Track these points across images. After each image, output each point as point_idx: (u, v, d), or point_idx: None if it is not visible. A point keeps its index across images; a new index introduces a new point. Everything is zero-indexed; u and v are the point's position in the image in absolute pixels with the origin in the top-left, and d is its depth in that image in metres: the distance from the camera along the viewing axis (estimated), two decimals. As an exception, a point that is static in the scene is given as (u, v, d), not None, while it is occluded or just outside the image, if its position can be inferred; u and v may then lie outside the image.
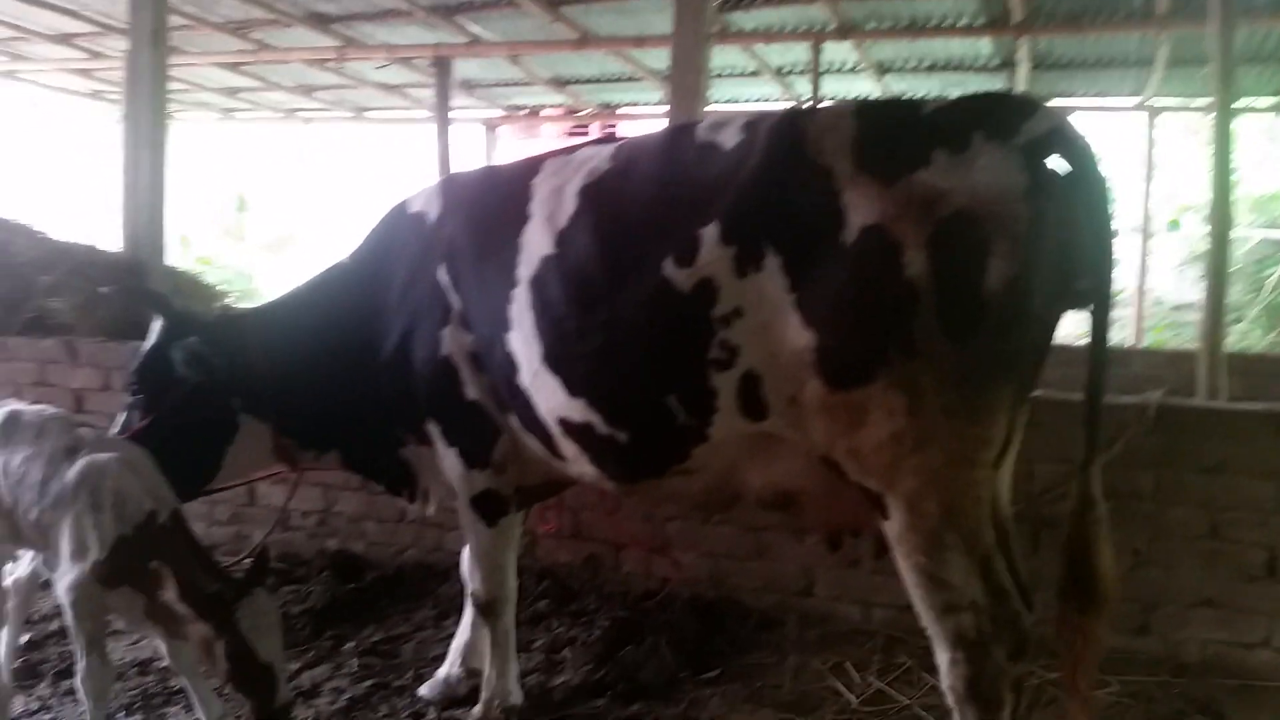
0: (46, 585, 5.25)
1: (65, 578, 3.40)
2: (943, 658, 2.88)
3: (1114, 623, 4.47)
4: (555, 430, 3.45)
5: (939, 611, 2.85)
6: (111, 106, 14.65)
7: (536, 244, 3.37)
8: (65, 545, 3.41)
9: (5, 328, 6.90)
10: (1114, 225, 2.79)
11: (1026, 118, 2.74)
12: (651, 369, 3.14)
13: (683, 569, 5.20)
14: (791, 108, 3.56)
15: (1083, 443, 2.90)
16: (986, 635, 2.81)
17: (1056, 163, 2.75)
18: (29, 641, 4.69)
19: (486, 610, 3.93)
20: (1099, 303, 2.85)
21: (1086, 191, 2.74)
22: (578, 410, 3.32)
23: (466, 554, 4.05)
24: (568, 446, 3.47)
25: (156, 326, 4.13)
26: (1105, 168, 2.76)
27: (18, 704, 4.12)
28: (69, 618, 3.42)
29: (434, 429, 3.82)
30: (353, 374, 3.96)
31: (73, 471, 3.47)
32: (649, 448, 3.31)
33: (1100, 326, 2.86)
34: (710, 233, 2.96)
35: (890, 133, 2.87)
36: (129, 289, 4.46)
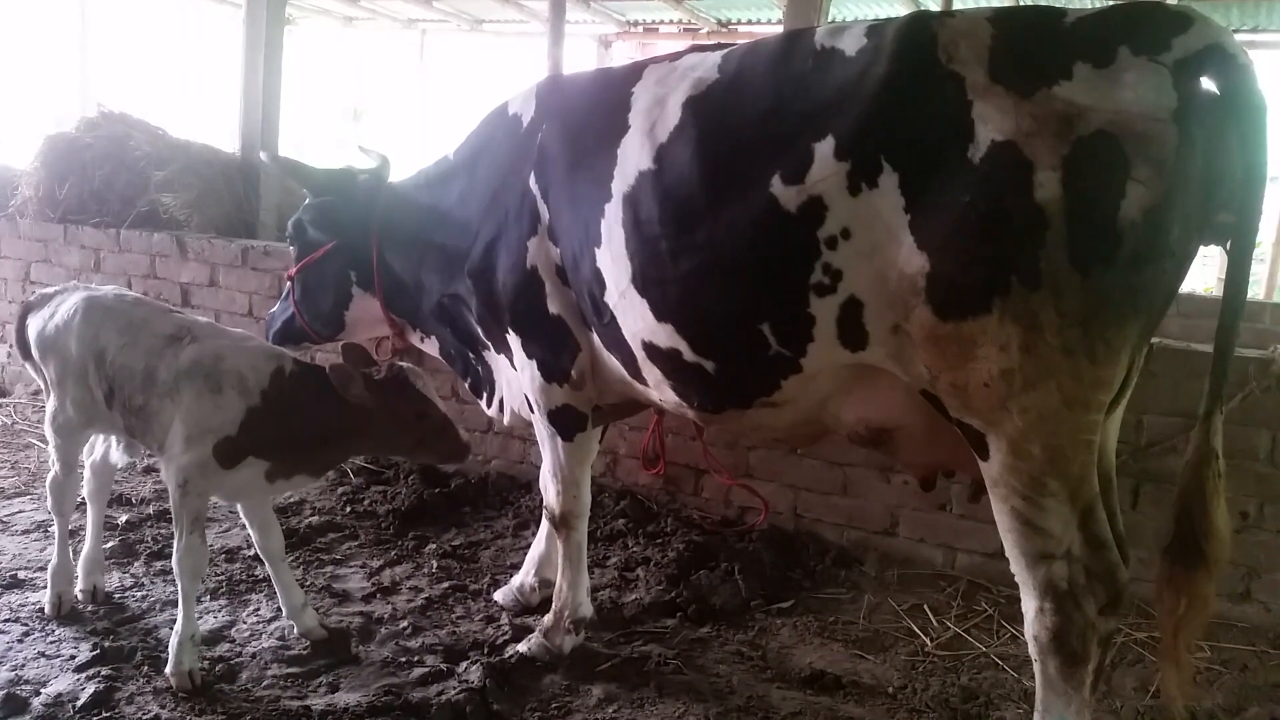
0: (148, 471, 5.56)
1: (179, 459, 3.47)
2: (1029, 605, 2.74)
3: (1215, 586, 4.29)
4: (639, 354, 3.36)
5: (1031, 558, 2.70)
6: (236, 10, 14.90)
7: (634, 157, 3.21)
8: (179, 429, 3.48)
9: (120, 220, 7.14)
10: (1267, 157, 2.51)
11: (1179, 32, 2.47)
12: (747, 294, 2.99)
13: (768, 507, 5.14)
14: (922, 10, 3.31)
15: (1206, 391, 2.66)
16: (1078, 587, 2.66)
17: (1210, 82, 2.48)
18: (127, 522, 4.92)
19: (560, 524, 3.92)
20: (1240, 239, 2.58)
21: (1241, 116, 2.46)
22: (664, 335, 3.21)
23: (543, 468, 4.05)
24: (651, 371, 3.38)
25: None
26: (1265, 91, 2.47)
27: (114, 579, 4.31)
28: (175, 497, 3.50)
29: (514, 340, 3.78)
30: (443, 271, 4.00)
31: (185, 359, 3.55)
32: (737, 378, 3.19)
33: (1239, 265, 2.61)
34: (824, 148, 2.77)
35: (1029, 42, 2.62)
36: (275, 158, 4.79)
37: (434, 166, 4.23)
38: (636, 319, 3.28)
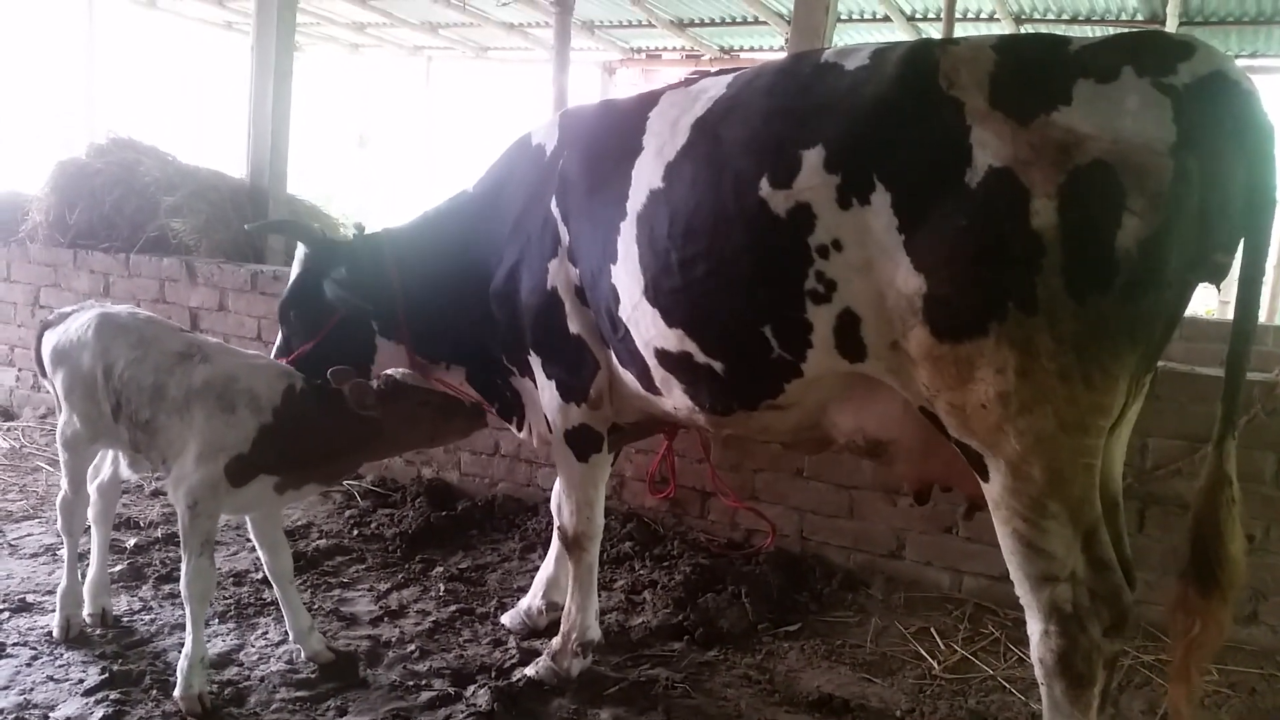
0: (155, 494, 5.59)
1: (189, 478, 3.49)
2: (1034, 628, 2.75)
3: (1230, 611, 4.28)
4: (651, 361, 3.43)
5: (1035, 581, 2.71)
6: (244, 38, 15.05)
7: (646, 177, 3.30)
8: (192, 448, 3.51)
9: (129, 245, 7.21)
10: (1274, 181, 2.51)
11: (1182, 60, 2.50)
12: (749, 296, 3.06)
13: (775, 531, 5.15)
14: (927, 38, 3.36)
15: (1219, 417, 2.68)
16: (1083, 609, 2.67)
17: (1215, 110, 2.48)
18: (135, 545, 4.93)
19: (572, 545, 3.94)
20: (1250, 264, 2.59)
21: (1246, 143, 2.48)
22: (675, 340, 3.29)
23: (556, 488, 4.08)
24: (663, 377, 3.45)
25: (300, 255, 4.30)
26: (1271, 120, 2.48)
27: (122, 602, 4.33)
28: (184, 518, 3.50)
29: (535, 361, 3.84)
30: (471, 301, 3.99)
31: (197, 378, 3.58)
32: (743, 379, 3.25)
33: (1249, 290, 2.62)
34: (813, 156, 2.83)
35: (1031, 69, 2.65)
36: (276, 223, 4.45)
37: (448, 203, 4.24)
38: (649, 327, 3.35)
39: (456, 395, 3.71)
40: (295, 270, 4.31)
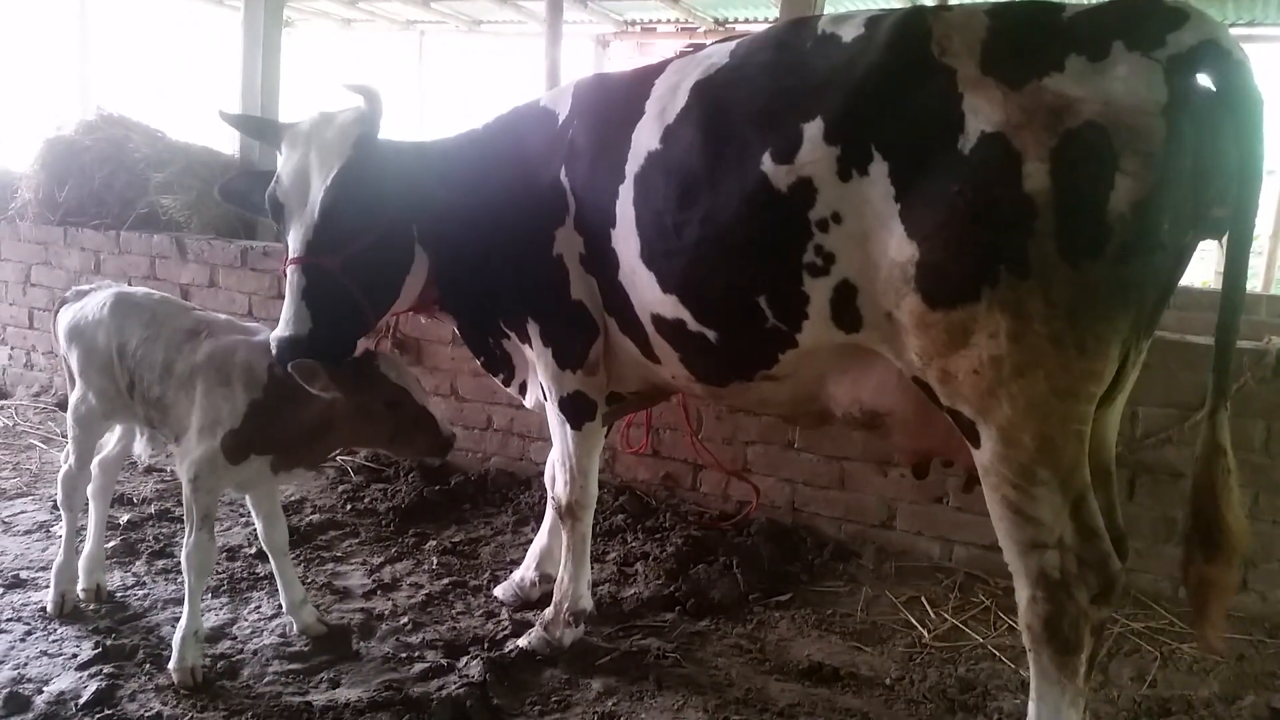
0: (149, 471, 5.59)
1: (191, 453, 3.52)
2: (1022, 595, 2.76)
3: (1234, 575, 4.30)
4: (649, 328, 3.45)
5: (1023, 547, 2.73)
6: (234, 14, 14.90)
7: (645, 140, 3.31)
8: (194, 422, 3.53)
9: (119, 222, 7.17)
10: (1263, 152, 2.51)
11: (1174, 27, 2.49)
12: (744, 268, 3.06)
13: (760, 493, 5.16)
14: (921, 5, 3.34)
15: (1210, 389, 2.68)
16: (1070, 576, 2.68)
17: (1206, 78, 2.49)
18: (129, 521, 4.94)
19: (565, 514, 3.95)
20: (1236, 234, 2.59)
21: (1235, 112, 2.48)
22: (669, 306, 3.30)
23: (551, 458, 4.08)
24: (660, 345, 3.46)
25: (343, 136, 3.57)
26: (1261, 89, 2.47)
27: (115, 578, 4.34)
28: (186, 491, 3.53)
29: (533, 327, 3.82)
30: (464, 251, 3.84)
31: (200, 353, 3.60)
32: (737, 349, 3.27)
33: (1237, 260, 2.62)
34: (813, 130, 2.83)
35: (1024, 35, 2.65)
36: (359, 86, 3.59)
37: (458, 139, 4.05)
38: (644, 292, 3.36)
39: (434, 416, 3.46)
40: (338, 152, 3.48)
